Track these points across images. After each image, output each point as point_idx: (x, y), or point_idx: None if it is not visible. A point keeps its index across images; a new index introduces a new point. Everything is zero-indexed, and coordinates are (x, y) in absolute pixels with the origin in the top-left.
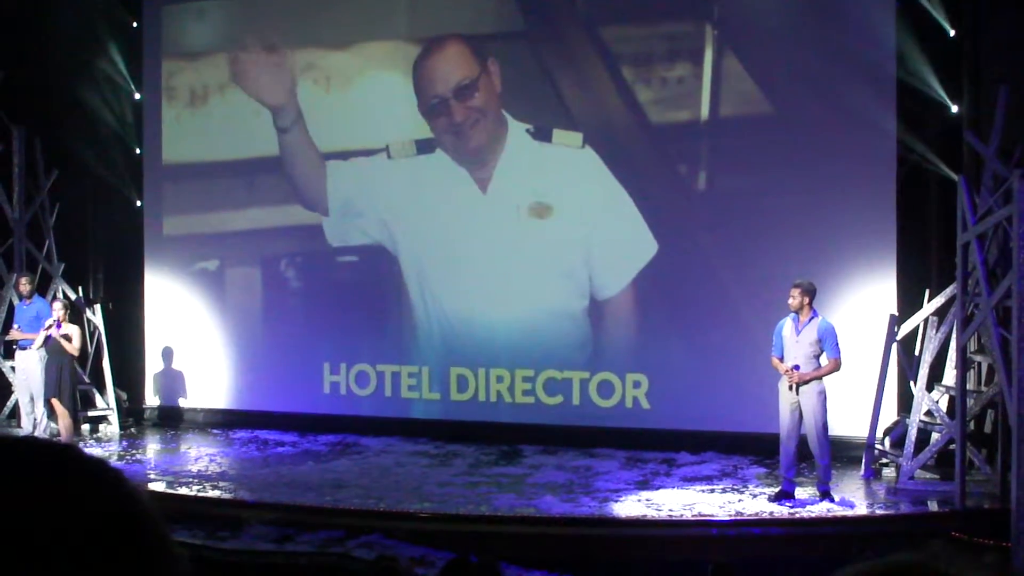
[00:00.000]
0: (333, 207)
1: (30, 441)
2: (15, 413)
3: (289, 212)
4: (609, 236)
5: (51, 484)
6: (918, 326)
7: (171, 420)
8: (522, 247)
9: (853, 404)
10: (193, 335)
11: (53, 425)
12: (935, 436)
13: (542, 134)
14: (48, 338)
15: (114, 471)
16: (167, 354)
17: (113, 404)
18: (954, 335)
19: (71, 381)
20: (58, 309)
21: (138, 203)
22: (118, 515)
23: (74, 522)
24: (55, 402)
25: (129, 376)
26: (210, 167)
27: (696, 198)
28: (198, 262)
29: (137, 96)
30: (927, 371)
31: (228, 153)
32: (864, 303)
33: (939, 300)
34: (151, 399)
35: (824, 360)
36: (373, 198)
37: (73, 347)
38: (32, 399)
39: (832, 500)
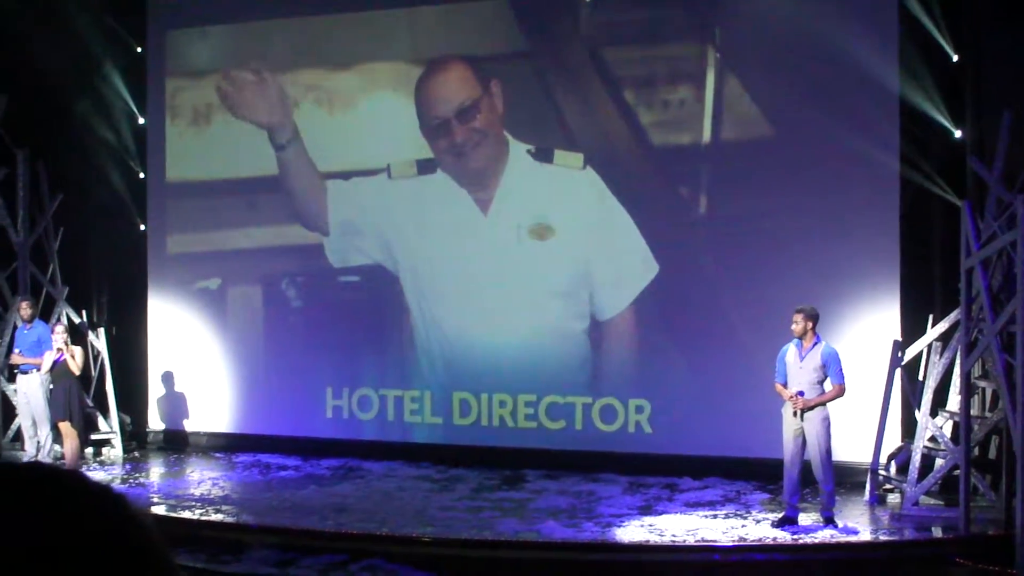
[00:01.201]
0: (334, 227)
1: (33, 466)
2: (19, 437)
3: (292, 232)
4: (610, 257)
5: (54, 509)
6: (922, 352)
7: (174, 443)
8: (523, 268)
9: (857, 430)
10: (196, 358)
11: (58, 448)
12: (939, 462)
13: (543, 155)
14: (54, 363)
15: (117, 495)
16: (170, 377)
17: (116, 428)
18: (958, 361)
19: (79, 403)
20: (60, 334)
21: (142, 227)
22: (121, 540)
23: (77, 547)
24: (64, 425)
25: (132, 399)
26: (213, 186)
27: (698, 220)
28: (201, 282)
29: (141, 120)
30: (931, 397)
31: (231, 172)
32: (868, 329)
33: (943, 326)
34: (154, 422)
35: (828, 386)
36: (374, 218)
37: (76, 364)
38: (35, 423)
39: (836, 526)
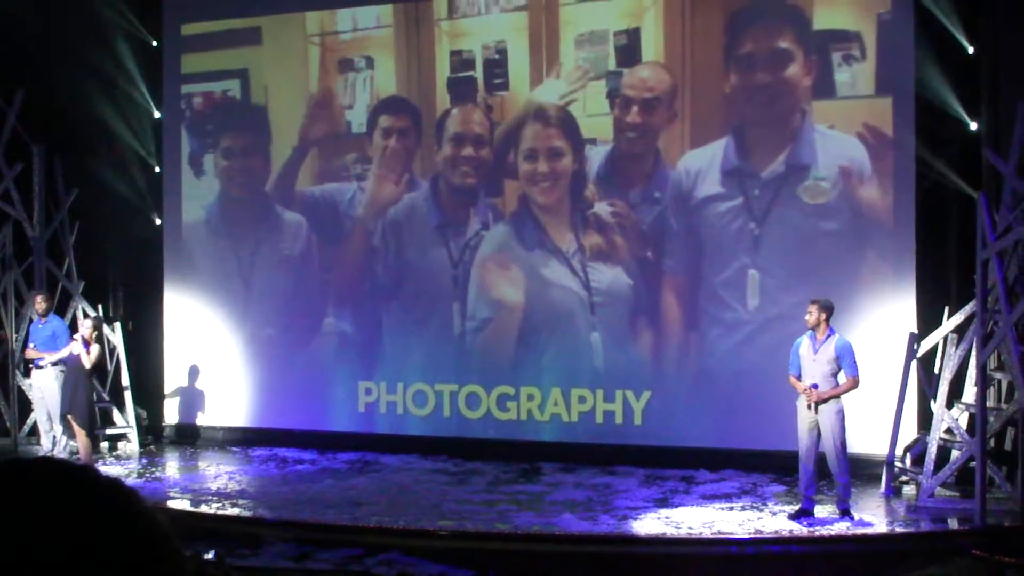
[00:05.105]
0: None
1: (45, 461)
2: (35, 431)
3: (306, 226)
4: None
5: (65, 504)
6: (938, 343)
7: (190, 438)
8: None
9: (873, 422)
10: (212, 353)
11: (72, 443)
12: (955, 454)
13: None
14: (68, 357)
15: (128, 491)
16: (186, 372)
17: (132, 422)
18: (974, 352)
19: (87, 398)
20: (87, 328)
21: (157, 221)
22: (131, 534)
23: (87, 541)
24: (70, 419)
25: (148, 394)
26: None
27: (713, 213)
28: (218, 280)
29: (157, 114)
30: (947, 388)
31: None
32: (883, 320)
33: (959, 317)
34: (170, 417)
35: (842, 378)
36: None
37: (88, 357)
38: (50, 418)
39: (851, 518)
